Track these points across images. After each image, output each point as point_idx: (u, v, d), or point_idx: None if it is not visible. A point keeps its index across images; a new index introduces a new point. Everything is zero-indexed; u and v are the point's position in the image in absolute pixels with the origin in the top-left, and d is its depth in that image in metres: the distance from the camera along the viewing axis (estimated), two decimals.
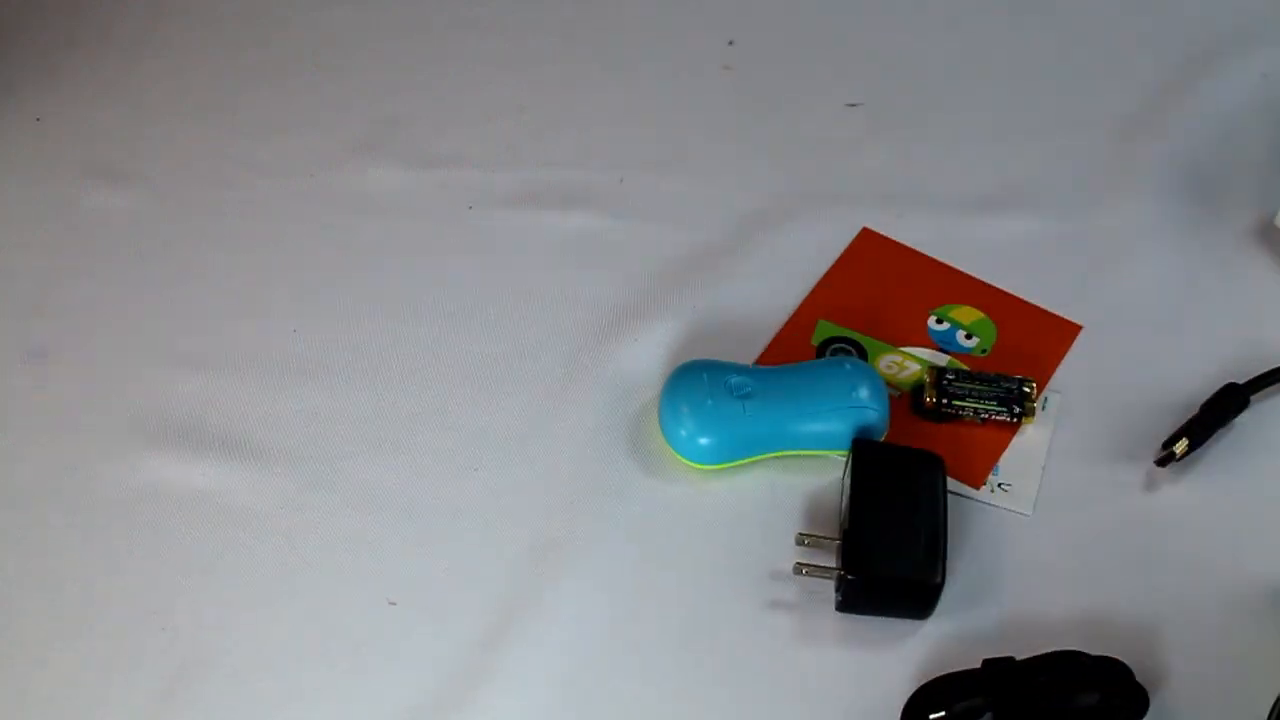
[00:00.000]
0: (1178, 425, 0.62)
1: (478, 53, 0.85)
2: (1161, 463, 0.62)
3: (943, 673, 0.55)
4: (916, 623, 0.58)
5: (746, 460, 0.62)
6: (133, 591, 0.60)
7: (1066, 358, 0.67)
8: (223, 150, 0.80)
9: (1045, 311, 0.69)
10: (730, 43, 0.84)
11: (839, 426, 0.61)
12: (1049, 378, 0.67)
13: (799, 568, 0.58)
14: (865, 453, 0.60)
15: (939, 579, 0.56)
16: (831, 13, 0.86)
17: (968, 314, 0.69)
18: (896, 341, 0.68)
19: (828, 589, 0.58)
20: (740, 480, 0.63)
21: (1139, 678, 0.53)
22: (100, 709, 0.57)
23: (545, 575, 0.60)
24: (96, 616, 0.60)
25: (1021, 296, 0.70)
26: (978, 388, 0.64)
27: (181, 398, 0.67)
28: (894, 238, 0.73)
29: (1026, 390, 0.64)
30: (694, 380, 0.62)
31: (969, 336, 0.68)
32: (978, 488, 0.62)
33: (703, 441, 0.61)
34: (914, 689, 0.54)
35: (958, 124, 0.79)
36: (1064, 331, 0.68)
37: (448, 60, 0.84)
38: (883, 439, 0.63)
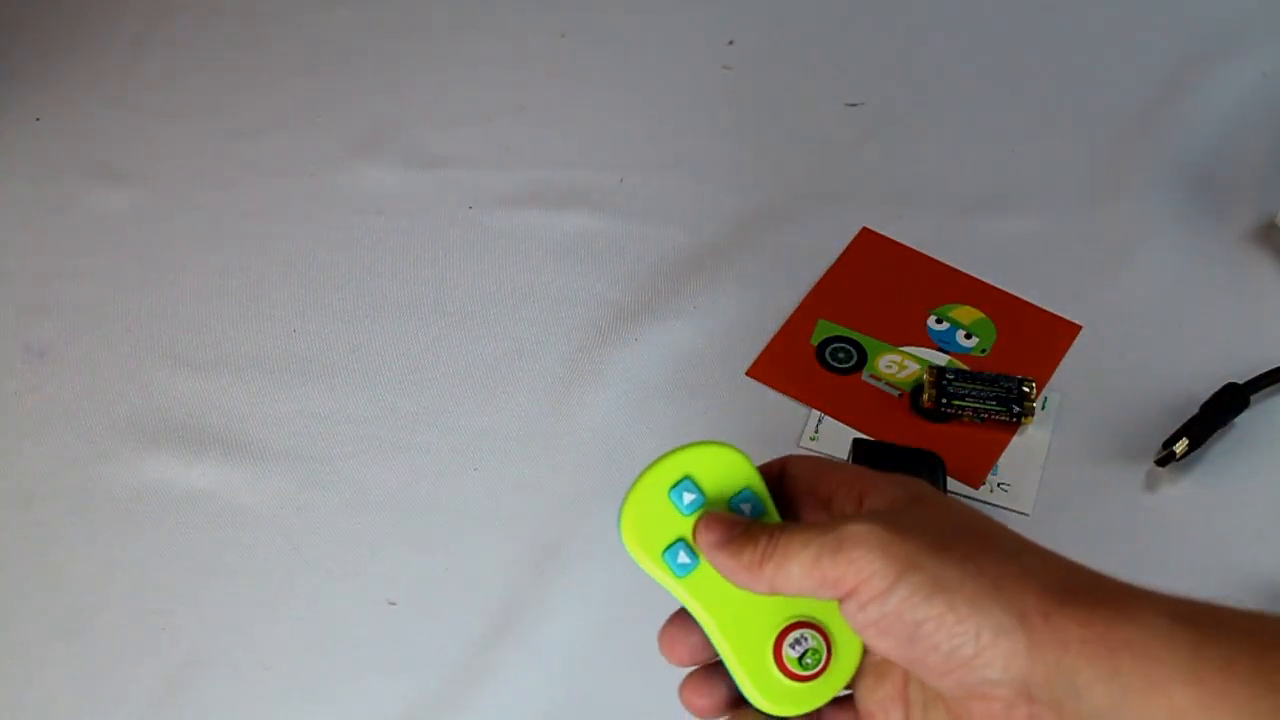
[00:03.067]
0: (1178, 425, 0.62)
1: (478, 53, 0.85)
2: (1161, 463, 0.62)
3: None
4: None
5: None
6: (133, 591, 0.60)
7: (1066, 358, 0.67)
8: (223, 150, 0.80)
9: (1045, 311, 0.69)
10: (730, 43, 0.84)
11: None
12: (1049, 378, 0.67)
13: None
14: (865, 452, 0.60)
15: None
16: (831, 13, 0.86)
17: (967, 314, 0.69)
18: (896, 341, 0.68)
19: None
20: None
21: None
22: (100, 709, 0.57)
23: (545, 575, 0.60)
24: (96, 616, 0.60)
25: (1021, 296, 0.70)
26: (977, 387, 0.64)
27: (181, 398, 0.67)
28: (894, 237, 0.73)
29: (1026, 390, 0.64)
30: None
31: (969, 336, 0.68)
32: (977, 487, 0.62)
33: None
34: None
35: (958, 124, 0.79)
36: (1064, 331, 0.68)
37: (448, 60, 0.84)
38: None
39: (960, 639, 0.36)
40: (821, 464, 0.43)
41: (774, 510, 0.42)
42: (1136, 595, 0.37)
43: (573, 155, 0.78)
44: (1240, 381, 0.64)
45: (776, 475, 0.43)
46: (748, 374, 0.67)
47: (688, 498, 0.41)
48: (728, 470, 0.42)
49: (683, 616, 0.42)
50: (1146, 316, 0.69)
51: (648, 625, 0.59)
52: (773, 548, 0.39)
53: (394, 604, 0.60)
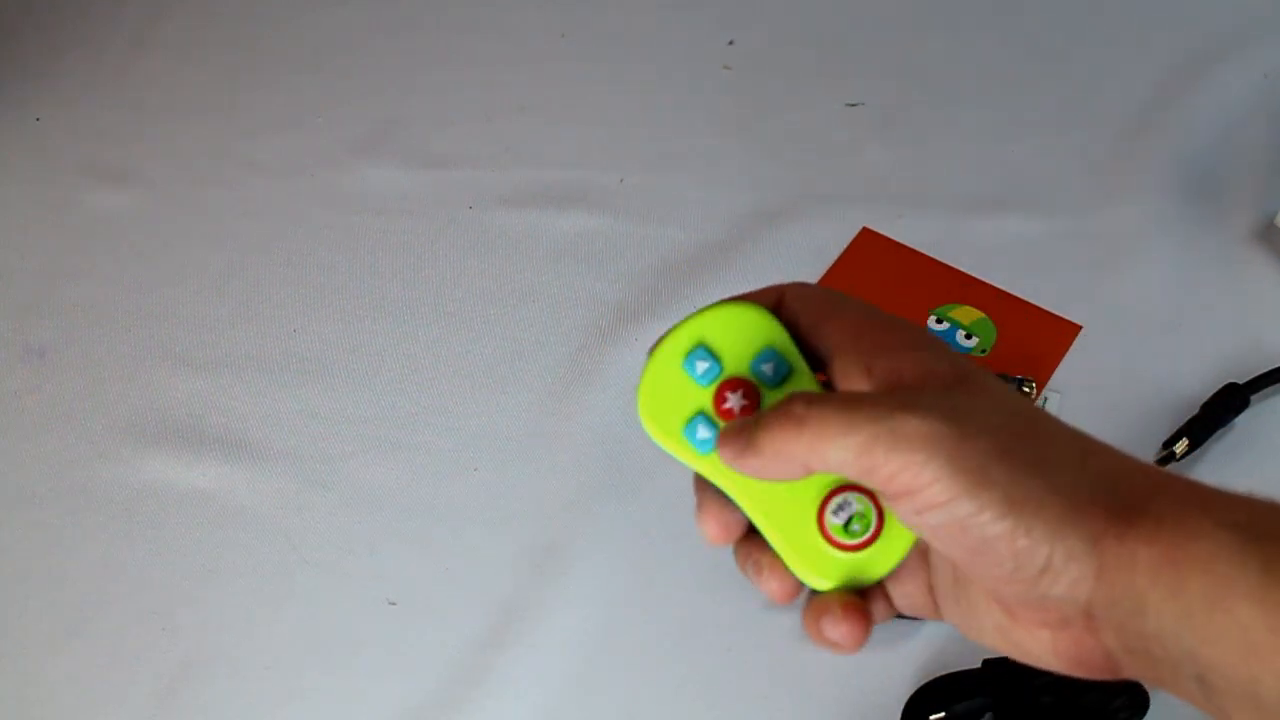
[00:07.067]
0: (1178, 425, 0.62)
1: (478, 53, 0.85)
2: (1162, 463, 0.61)
3: (943, 673, 0.55)
4: (916, 623, 0.58)
5: None
6: (133, 591, 0.60)
7: (1066, 358, 0.67)
8: (222, 150, 0.80)
9: (1045, 311, 0.69)
10: (730, 43, 0.84)
11: None
12: (1049, 378, 0.67)
13: None
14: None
15: None
16: (831, 13, 0.86)
17: (967, 314, 0.69)
18: None
19: None
20: None
21: None
22: (100, 709, 0.57)
23: (545, 575, 0.60)
24: (96, 616, 0.60)
25: (1021, 296, 0.70)
26: None
27: (181, 398, 0.67)
28: (894, 238, 0.73)
29: (1026, 390, 0.64)
30: None
31: (969, 336, 0.68)
32: None
33: None
34: (914, 689, 0.54)
35: (957, 124, 0.79)
36: (1064, 331, 0.68)
37: (448, 60, 0.84)
38: None
39: (1029, 558, 0.34)
40: (823, 303, 0.39)
41: (804, 367, 0.38)
42: (1208, 503, 0.35)
43: (573, 155, 0.78)
44: (1240, 381, 0.64)
45: (774, 309, 0.40)
46: None
47: (701, 366, 0.38)
48: (744, 329, 0.38)
49: (718, 492, 0.39)
50: (1146, 316, 0.69)
51: (648, 625, 0.59)
52: (800, 425, 0.34)
53: (394, 604, 0.60)
